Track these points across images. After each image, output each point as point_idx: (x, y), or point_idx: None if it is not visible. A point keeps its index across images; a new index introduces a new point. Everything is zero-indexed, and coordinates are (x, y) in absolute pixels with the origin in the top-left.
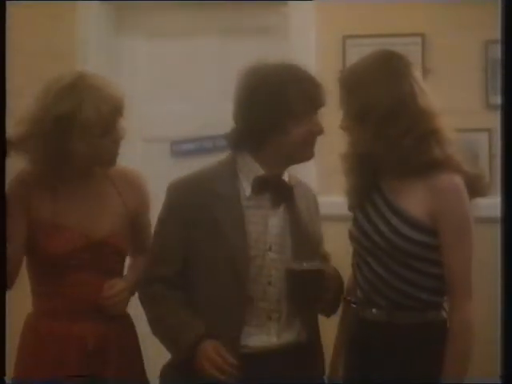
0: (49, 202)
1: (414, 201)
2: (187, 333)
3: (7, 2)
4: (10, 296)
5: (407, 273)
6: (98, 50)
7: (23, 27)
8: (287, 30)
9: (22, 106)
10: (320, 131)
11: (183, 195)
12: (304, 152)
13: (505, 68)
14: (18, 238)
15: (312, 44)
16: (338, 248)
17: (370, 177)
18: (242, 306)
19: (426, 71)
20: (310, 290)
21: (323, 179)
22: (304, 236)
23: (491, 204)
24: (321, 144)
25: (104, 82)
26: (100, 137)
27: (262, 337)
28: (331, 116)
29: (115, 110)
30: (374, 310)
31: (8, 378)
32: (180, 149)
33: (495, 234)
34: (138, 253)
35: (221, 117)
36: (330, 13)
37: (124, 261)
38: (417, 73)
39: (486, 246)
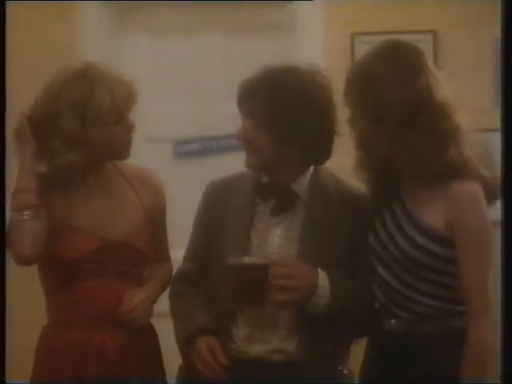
0: (61, 202)
1: (432, 210)
2: (186, 324)
3: (7, 2)
4: (10, 296)
5: (423, 285)
6: (99, 48)
7: (23, 25)
8: (294, 27)
9: (20, 105)
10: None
11: (209, 196)
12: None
13: (505, 68)
14: (43, 214)
15: (320, 41)
16: None
17: (389, 184)
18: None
19: (437, 69)
20: (251, 287)
21: None
22: (316, 247)
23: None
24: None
25: (113, 69)
26: (113, 124)
27: (259, 345)
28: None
29: (129, 95)
30: (393, 321)
31: (8, 378)
32: (183, 149)
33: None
34: (157, 258)
35: (225, 116)
36: (339, 9)
37: (144, 264)
38: (431, 64)
39: None
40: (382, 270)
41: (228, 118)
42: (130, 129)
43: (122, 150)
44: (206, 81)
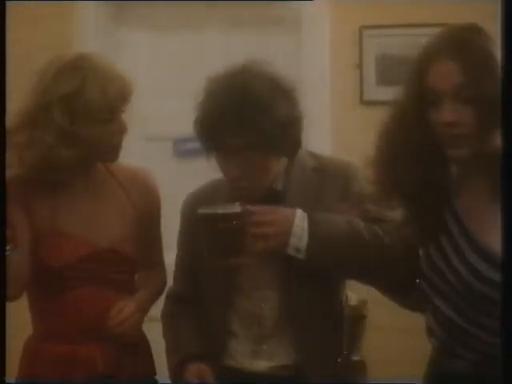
0: (47, 205)
1: (496, 229)
2: (176, 350)
3: (7, 2)
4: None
5: (490, 321)
6: (97, 46)
7: (20, 23)
8: (299, 21)
9: (17, 103)
10: None
11: (189, 209)
12: None
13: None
14: (23, 239)
15: (326, 36)
16: None
17: (440, 194)
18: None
19: None
20: (225, 237)
21: None
22: None
23: None
24: (337, 143)
25: (109, 62)
26: (104, 123)
27: (251, 360)
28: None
29: (122, 93)
30: (456, 362)
31: (8, 378)
32: (183, 148)
33: None
34: (149, 265)
35: None
36: (345, 2)
37: (135, 272)
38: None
39: None
40: (439, 302)
41: None
42: (122, 130)
43: (111, 151)
44: (207, 77)
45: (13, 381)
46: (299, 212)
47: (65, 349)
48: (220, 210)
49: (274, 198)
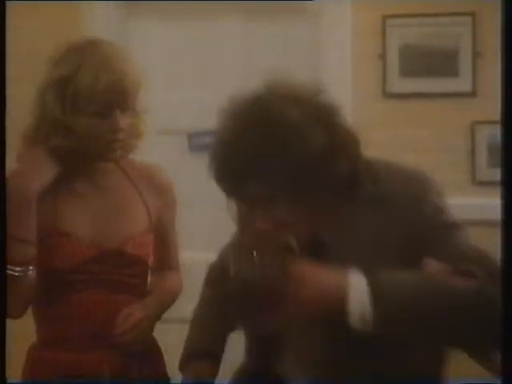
0: (50, 202)
1: None
2: (185, 349)
3: (7, 2)
4: None
5: None
6: (107, 34)
7: (27, 13)
8: (319, 9)
9: (22, 93)
10: None
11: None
12: None
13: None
14: (31, 236)
15: (348, 26)
16: None
17: None
18: None
19: (476, 55)
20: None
21: None
22: None
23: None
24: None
25: (120, 54)
26: (93, 116)
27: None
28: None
29: (118, 89)
30: None
31: (8, 377)
32: (198, 142)
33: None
34: (163, 269)
35: None
36: None
37: (147, 275)
38: None
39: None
40: None
41: None
42: (114, 128)
43: (104, 149)
44: (223, 68)
45: (13, 380)
46: (352, 272)
47: (70, 356)
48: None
49: (319, 251)
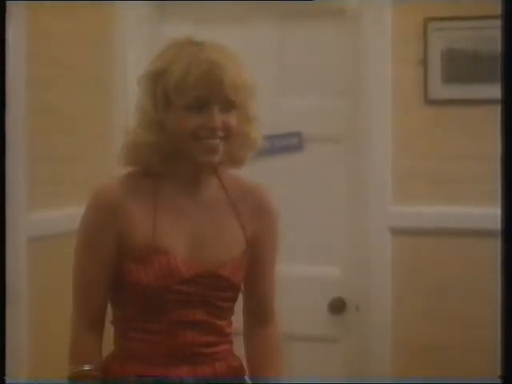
0: (146, 216)
1: None
2: None
3: (7, 2)
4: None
5: None
6: (139, 38)
7: (57, 16)
8: (358, 12)
9: (50, 97)
10: None
11: None
12: None
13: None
14: (103, 273)
15: (388, 29)
16: (415, 266)
17: None
18: None
19: None
20: None
21: (400, 186)
22: None
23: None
24: (399, 146)
25: (224, 53)
26: (184, 110)
27: None
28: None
29: (213, 81)
30: None
31: (8, 378)
32: None
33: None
34: (253, 298)
35: (280, 114)
36: None
37: (234, 302)
38: None
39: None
40: None
41: (284, 114)
42: (210, 125)
43: (201, 151)
44: (258, 74)
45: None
46: None
47: (154, 370)
48: None
49: None
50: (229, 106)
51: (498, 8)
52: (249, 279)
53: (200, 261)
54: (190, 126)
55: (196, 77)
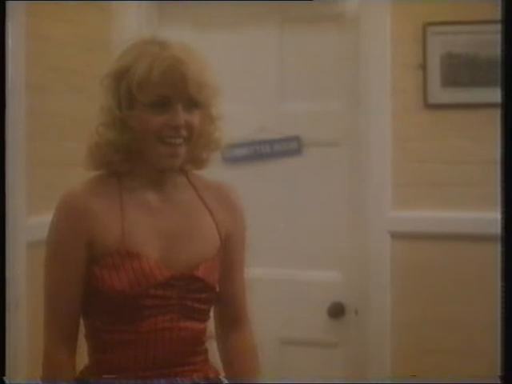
0: (115, 221)
1: None
2: None
3: (7, 2)
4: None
5: None
6: None
7: (53, 16)
8: (358, 17)
9: (48, 101)
10: None
11: None
12: None
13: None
14: (74, 284)
15: (387, 33)
16: (415, 271)
17: None
18: None
19: None
20: None
21: (400, 191)
22: None
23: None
24: (399, 151)
25: (187, 52)
26: (150, 109)
27: None
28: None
29: (177, 78)
30: None
31: (8, 378)
32: (232, 154)
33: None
34: (225, 299)
35: (280, 117)
36: None
37: (213, 301)
38: None
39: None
40: None
41: (283, 118)
42: (174, 123)
43: (166, 151)
44: (258, 78)
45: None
46: None
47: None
48: None
49: None
50: (192, 104)
51: (497, 12)
52: (221, 280)
53: (174, 263)
54: (153, 124)
55: (159, 73)
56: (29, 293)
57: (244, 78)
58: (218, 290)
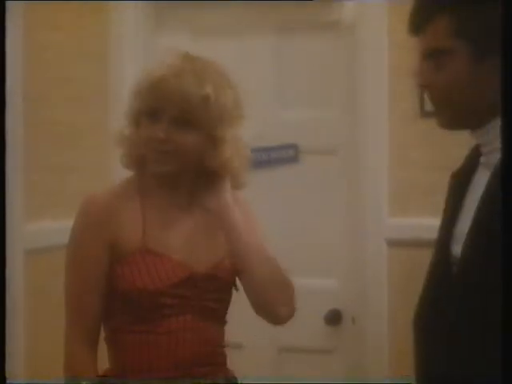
0: (136, 221)
1: None
2: None
3: (7, 2)
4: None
5: None
6: (135, 50)
7: (50, 26)
8: (355, 24)
9: (46, 109)
10: None
11: None
12: None
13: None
14: (98, 285)
15: (384, 40)
16: (412, 278)
17: None
18: None
19: None
20: None
21: (397, 198)
22: None
23: None
24: (396, 158)
25: (202, 70)
26: (144, 116)
27: None
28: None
29: (167, 92)
30: None
31: (8, 377)
32: None
33: None
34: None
35: (276, 126)
36: (404, 3)
37: (230, 301)
38: None
39: None
40: None
41: (280, 126)
42: (156, 136)
43: (149, 156)
44: (254, 86)
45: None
46: None
47: None
48: None
49: None
50: (182, 120)
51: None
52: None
53: (194, 262)
54: (142, 133)
55: (150, 83)
56: (26, 299)
57: (241, 85)
58: (237, 290)
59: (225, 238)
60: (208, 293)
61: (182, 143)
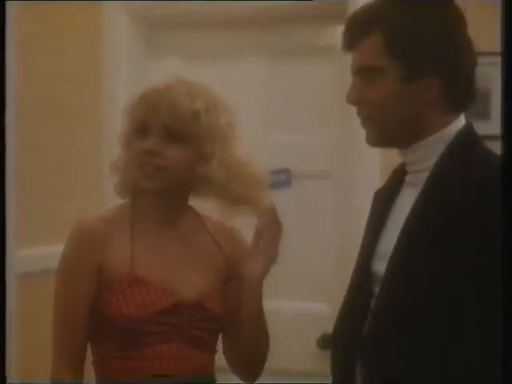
0: (124, 246)
1: None
2: None
3: (7, 2)
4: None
5: None
6: (127, 74)
7: (41, 48)
8: None
9: (38, 133)
10: None
11: None
12: None
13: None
14: (82, 309)
15: None
16: None
17: None
18: None
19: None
20: None
21: None
22: None
23: None
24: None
25: (188, 91)
26: (133, 132)
27: None
28: None
29: (155, 107)
30: None
31: (8, 377)
32: None
33: None
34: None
35: (269, 150)
36: None
37: (218, 334)
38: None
39: None
40: None
41: (273, 150)
42: (143, 149)
43: (139, 172)
44: (247, 110)
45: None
46: None
47: None
48: None
49: None
50: (172, 134)
51: (496, 44)
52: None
53: (180, 290)
54: (132, 148)
55: (140, 97)
56: (18, 323)
57: (234, 110)
58: (224, 321)
59: (244, 307)
60: (195, 321)
61: (171, 157)
